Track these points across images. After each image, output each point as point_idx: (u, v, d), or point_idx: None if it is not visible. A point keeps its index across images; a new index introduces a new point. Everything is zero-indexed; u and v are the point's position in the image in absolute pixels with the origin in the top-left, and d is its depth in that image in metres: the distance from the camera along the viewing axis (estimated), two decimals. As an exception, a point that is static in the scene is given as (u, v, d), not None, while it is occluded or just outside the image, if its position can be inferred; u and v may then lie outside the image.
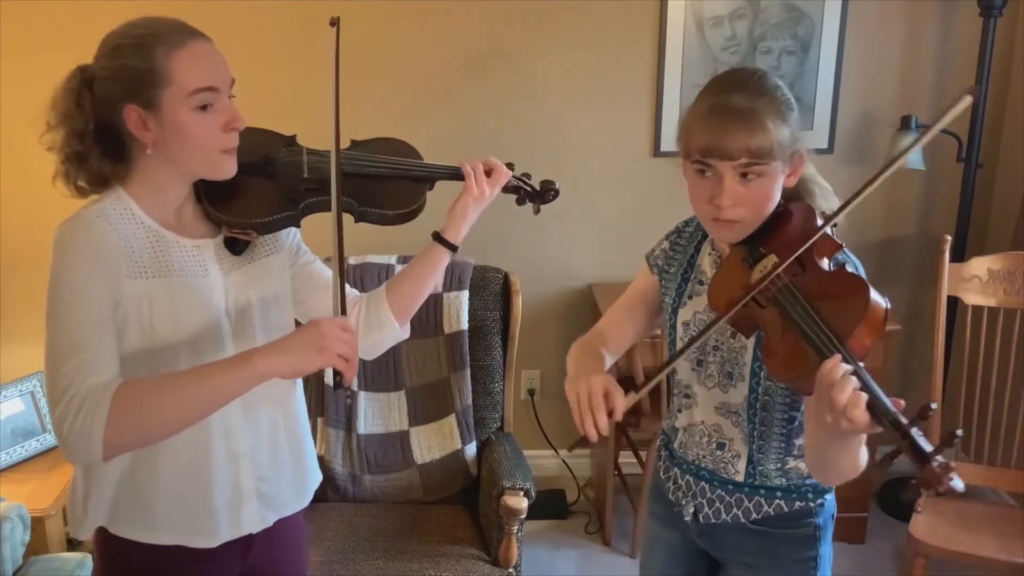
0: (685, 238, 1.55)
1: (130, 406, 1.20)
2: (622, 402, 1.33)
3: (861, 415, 1.09)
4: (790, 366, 1.21)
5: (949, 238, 2.57)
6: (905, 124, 2.91)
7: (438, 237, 1.54)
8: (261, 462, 1.46)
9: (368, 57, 2.94)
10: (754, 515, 1.48)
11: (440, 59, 2.97)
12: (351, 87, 2.91)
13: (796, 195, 1.42)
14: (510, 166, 1.58)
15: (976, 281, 2.54)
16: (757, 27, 2.98)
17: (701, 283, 1.49)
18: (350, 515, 2.45)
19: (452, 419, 2.57)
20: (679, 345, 1.49)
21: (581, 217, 3.13)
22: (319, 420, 2.55)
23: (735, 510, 1.49)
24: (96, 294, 1.26)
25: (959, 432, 1.08)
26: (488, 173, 1.53)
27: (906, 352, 3.27)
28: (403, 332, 1.58)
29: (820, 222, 1.31)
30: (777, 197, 1.37)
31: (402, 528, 2.38)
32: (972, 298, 2.55)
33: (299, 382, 1.55)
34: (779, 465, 1.45)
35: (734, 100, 1.30)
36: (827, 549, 1.51)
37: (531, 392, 3.27)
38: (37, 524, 2.28)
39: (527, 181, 1.62)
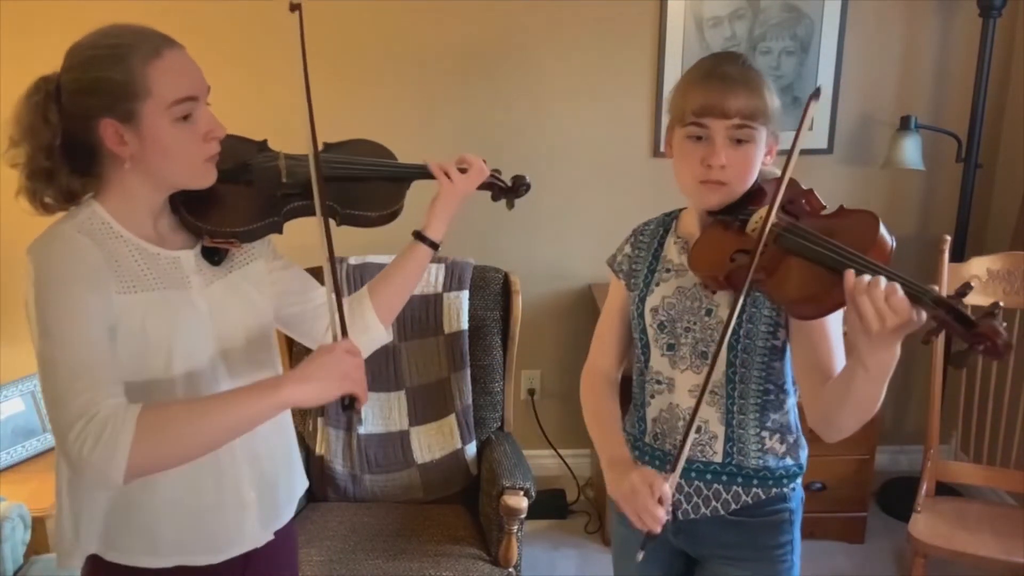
0: (647, 235, 1.59)
1: (155, 432, 1.16)
2: (665, 485, 1.35)
3: (901, 300, 1.12)
4: (802, 286, 1.24)
5: (948, 238, 2.57)
6: (904, 124, 2.91)
7: (419, 236, 1.53)
8: (261, 471, 1.43)
9: (366, 56, 2.94)
10: (733, 506, 1.50)
11: (439, 59, 2.97)
12: (350, 86, 2.94)
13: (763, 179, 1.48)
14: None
15: (975, 281, 2.54)
16: (757, 27, 2.98)
17: (668, 271, 1.52)
18: (350, 515, 2.45)
19: (452, 419, 2.57)
20: (650, 333, 1.52)
21: (581, 217, 3.14)
22: (319, 420, 2.56)
23: (714, 503, 1.50)
24: (94, 312, 1.20)
25: (1001, 304, 1.10)
26: (464, 170, 1.53)
27: (905, 352, 3.22)
28: (388, 335, 1.56)
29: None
30: (757, 169, 1.42)
31: (402, 528, 2.38)
32: (971, 298, 2.53)
33: None
34: (757, 444, 1.48)
35: (729, 69, 1.38)
36: (798, 533, 1.56)
37: (531, 392, 3.27)
38: (38, 524, 2.28)
39: (499, 177, 1.62)
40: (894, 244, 1.24)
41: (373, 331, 1.53)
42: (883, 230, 1.23)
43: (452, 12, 2.93)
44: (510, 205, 1.64)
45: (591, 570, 2.87)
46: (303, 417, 2.60)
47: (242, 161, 1.42)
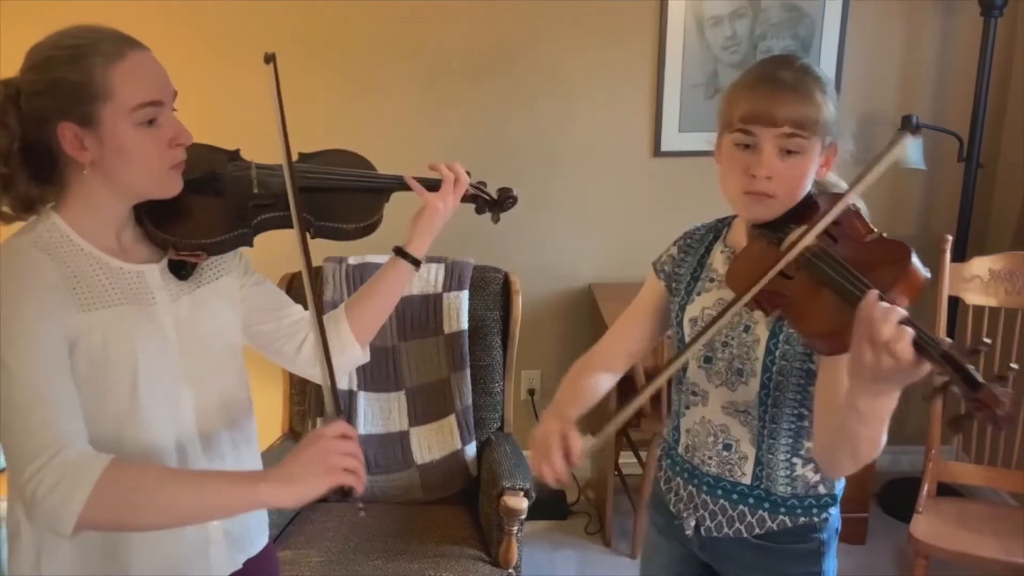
0: (696, 240, 1.54)
1: (116, 493, 1.12)
2: (578, 445, 1.33)
3: (906, 348, 1.03)
4: (823, 321, 1.17)
5: (950, 238, 2.57)
6: (905, 124, 2.91)
7: (401, 252, 1.47)
8: None
9: (369, 59, 2.94)
10: (757, 530, 1.45)
11: (441, 61, 2.97)
12: (354, 88, 2.93)
13: (821, 191, 1.41)
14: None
15: (977, 281, 2.53)
16: (757, 27, 2.97)
17: (711, 280, 1.46)
18: (350, 515, 2.45)
19: (452, 419, 2.57)
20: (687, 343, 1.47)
21: (581, 217, 3.13)
22: (319, 420, 2.55)
23: (737, 524, 1.45)
24: (48, 336, 1.15)
25: (1014, 366, 1.02)
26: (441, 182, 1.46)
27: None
28: (364, 355, 1.51)
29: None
30: (810, 183, 1.35)
31: (402, 528, 2.38)
32: (973, 298, 2.55)
33: (252, 409, 1.47)
34: (787, 471, 1.42)
35: (782, 74, 1.31)
36: (831, 564, 1.49)
37: (531, 392, 3.27)
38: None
39: (484, 189, 1.56)
40: (927, 277, 1.16)
41: (348, 350, 1.48)
42: (915, 262, 1.15)
43: (453, 15, 2.92)
44: (495, 219, 1.57)
45: (591, 571, 2.87)
46: (303, 418, 2.60)
47: (211, 170, 1.36)
